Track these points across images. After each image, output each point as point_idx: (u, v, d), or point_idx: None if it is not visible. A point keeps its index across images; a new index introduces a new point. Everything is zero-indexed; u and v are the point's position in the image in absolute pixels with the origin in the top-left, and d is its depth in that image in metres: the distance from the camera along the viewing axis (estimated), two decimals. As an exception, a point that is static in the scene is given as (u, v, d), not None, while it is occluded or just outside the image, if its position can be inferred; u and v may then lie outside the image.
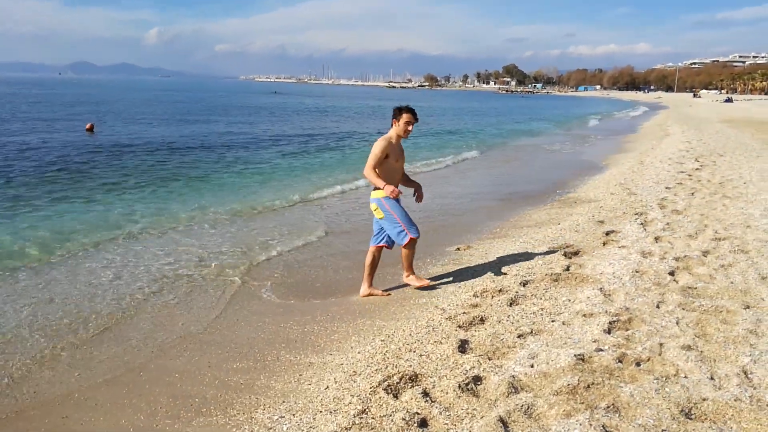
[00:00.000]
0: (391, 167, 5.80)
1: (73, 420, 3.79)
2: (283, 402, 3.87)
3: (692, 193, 10.41)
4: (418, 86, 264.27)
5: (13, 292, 6.06)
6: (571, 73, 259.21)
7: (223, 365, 4.52)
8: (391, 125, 5.84)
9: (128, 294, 6.08)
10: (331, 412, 3.56)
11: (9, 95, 59.40)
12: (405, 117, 5.74)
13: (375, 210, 5.83)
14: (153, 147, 19.38)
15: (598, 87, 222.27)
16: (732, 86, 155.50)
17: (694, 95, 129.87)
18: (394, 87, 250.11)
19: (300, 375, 4.30)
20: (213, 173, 14.58)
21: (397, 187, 5.76)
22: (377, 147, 5.68)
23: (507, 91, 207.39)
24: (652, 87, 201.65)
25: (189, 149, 19.26)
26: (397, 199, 5.80)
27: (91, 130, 24.25)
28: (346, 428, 3.29)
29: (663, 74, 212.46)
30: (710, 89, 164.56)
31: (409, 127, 5.79)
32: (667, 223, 7.97)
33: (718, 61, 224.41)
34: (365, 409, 3.49)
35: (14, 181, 12.42)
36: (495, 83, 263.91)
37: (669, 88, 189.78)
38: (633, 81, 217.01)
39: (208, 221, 9.27)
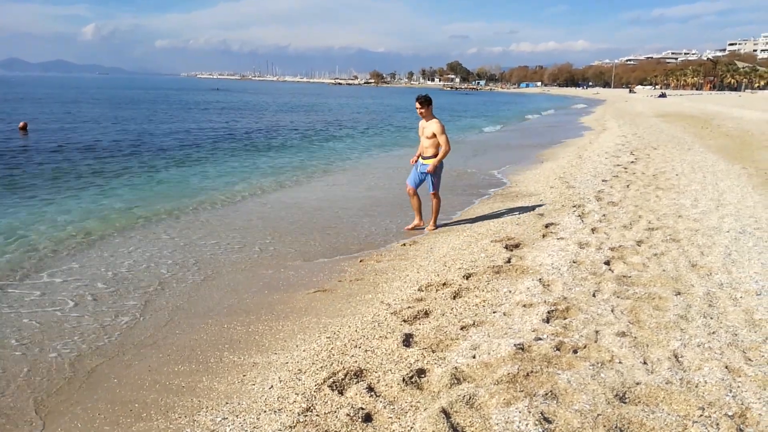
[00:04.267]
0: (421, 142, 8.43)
1: (6, 429, 3.64)
2: (227, 403, 3.81)
3: (627, 186, 10.80)
4: (364, 83, 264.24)
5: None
6: (513, 70, 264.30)
7: (164, 368, 4.42)
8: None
9: (63, 298, 5.87)
10: (275, 411, 3.53)
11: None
12: (416, 104, 8.19)
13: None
14: (88, 147, 18.67)
15: (539, 83, 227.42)
16: (665, 82, 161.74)
17: (630, 91, 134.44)
18: (340, 84, 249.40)
19: (244, 375, 4.25)
20: (154, 173, 14.20)
21: (418, 156, 8.48)
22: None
23: (451, 87, 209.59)
24: (590, 83, 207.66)
25: (125, 149, 18.66)
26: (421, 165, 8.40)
27: (24, 129, 23.19)
28: (290, 427, 3.27)
29: (600, 71, 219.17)
30: (645, 85, 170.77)
31: (417, 109, 8.21)
32: (604, 215, 8.25)
33: (652, 57, 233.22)
34: (310, 407, 3.47)
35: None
36: (440, 80, 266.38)
37: (606, 84, 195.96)
38: (572, 77, 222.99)
39: (147, 223, 9.04)
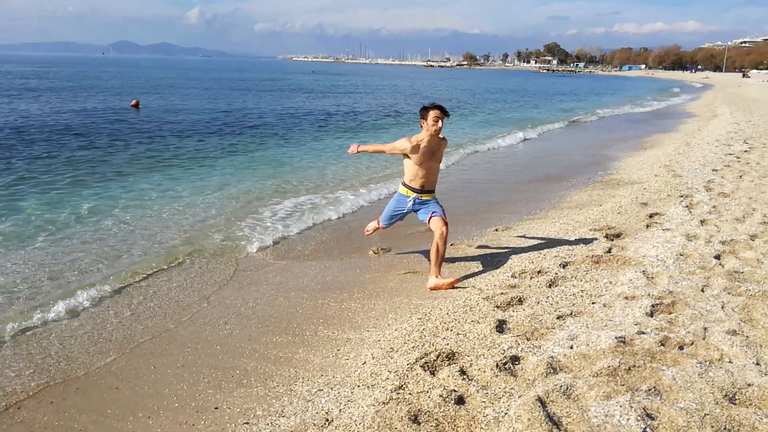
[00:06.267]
0: (417, 167, 5.66)
1: (122, 390, 3.92)
2: (322, 375, 3.93)
3: (740, 176, 10.08)
4: (457, 65, 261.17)
5: (41, 258, 6.28)
6: (615, 52, 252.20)
7: (263, 339, 4.61)
8: (421, 126, 5.65)
9: (173, 267, 6.24)
10: (368, 386, 3.60)
11: (56, 72, 60.90)
12: (432, 114, 5.52)
13: None
14: (195, 125, 19.68)
15: (643, 66, 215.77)
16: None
17: (744, 75, 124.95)
18: (432, 66, 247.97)
19: (338, 350, 4.35)
20: (260, 151, 14.79)
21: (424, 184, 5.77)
22: (397, 143, 5.67)
23: (548, 70, 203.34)
24: (699, 66, 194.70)
25: (231, 127, 19.51)
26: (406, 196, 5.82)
27: (136, 106, 24.69)
28: (384, 403, 3.32)
29: (711, 53, 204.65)
30: (761, 69, 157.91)
31: (439, 124, 5.53)
32: (714, 206, 7.75)
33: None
34: (402, 385, 3.51)
35: (60, 157, 12.81)
36: (536, 62, 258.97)
37: (717, 68, 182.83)
38: (680, 60, 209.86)
39: (257, 197, 9.47)
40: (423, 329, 4.44)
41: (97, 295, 5.45)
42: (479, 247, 6.89)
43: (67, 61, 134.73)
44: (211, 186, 10.35)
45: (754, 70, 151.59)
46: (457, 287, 5.45)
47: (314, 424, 3.25)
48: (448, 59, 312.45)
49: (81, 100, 28.47)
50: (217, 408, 3.61)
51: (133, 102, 25.47)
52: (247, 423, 3.41)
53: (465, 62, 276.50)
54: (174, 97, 33.17)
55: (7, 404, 3.70)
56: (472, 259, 6.43)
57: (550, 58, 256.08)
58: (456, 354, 3.90)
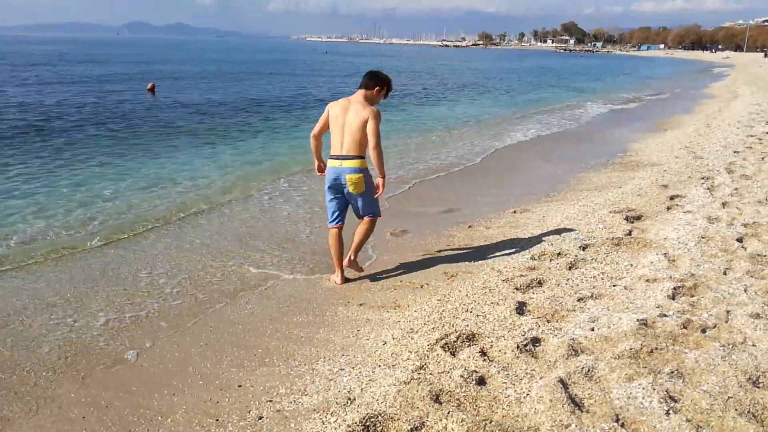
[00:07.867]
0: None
1: (146, 368, 3.98)
2: (343, 355, 3.96)
3: (762, 158, 9.92)
4: (472, 45, 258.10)
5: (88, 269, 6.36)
6: (634, 32, 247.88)
7: (284, 318, 4.65)
8: (372, 92, 5.08)
9: (194, 249, 6.30)
10: (389, 366, 3.63)
11: (70, 54, 61.12)
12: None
13: (357, 182, 5.03)
14: (214, 108, 19.67)
15: (662, 46, 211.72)
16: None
17: (766, 55, 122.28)
18: (446, 46, 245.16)
19: (358, 330, 4.38)
20: (282, 130, 14.85)
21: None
22: (378, 121, 4.97)
23: (565, 50, 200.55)
24: (719, 46, 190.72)
25: (252, 109, 19.57)
26: None
27: (152, 90, 24.65)
28: (405, 383, 3.34)
29: (732, 33, 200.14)
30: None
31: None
32: (736, 188, 7.65)
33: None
34: (423, 365, 3.53)
35: (77, 142, 12.94)
36: (552, 42, 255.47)
37: (738, 48, 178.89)
38: (699, 40, 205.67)
39: (275, 178, 9.52)
40: (443, 311, 4.45)
41: (115, 279, 5.53)
42: (497, 228, 6.87)
43: (85, 42, 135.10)
44: (235, 166, 10.42)
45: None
46: (475, 270, 5.43)
47: (337, 403, 3.28)
48: (464, 38, 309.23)
49: (96, 81, 28.56)
50: (240, 386, 3.66)
51: (149, 86, 25.42)
52: (271, 401, 3.46)
53: (480, 42, 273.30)
54: (192, 79, 33.03)
55: (36, 381, 3.77)
56: (490, 240, 6.41)
57: (567, 37, 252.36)
58: (476, 335, 3.91)
